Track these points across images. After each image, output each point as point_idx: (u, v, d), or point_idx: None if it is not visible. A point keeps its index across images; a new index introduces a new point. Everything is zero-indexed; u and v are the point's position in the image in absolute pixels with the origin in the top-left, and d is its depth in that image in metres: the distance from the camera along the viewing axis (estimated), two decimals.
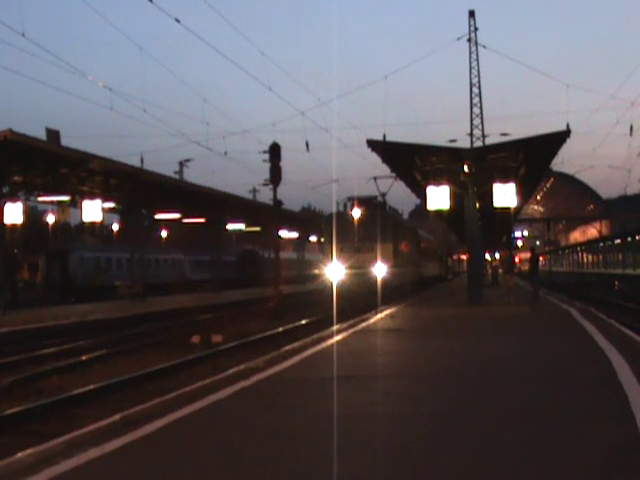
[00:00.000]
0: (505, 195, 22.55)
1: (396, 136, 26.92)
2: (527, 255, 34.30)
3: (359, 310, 21.92)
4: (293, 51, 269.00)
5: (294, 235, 58.29)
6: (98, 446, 5.42)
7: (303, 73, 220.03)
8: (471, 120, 49.44)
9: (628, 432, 5.31)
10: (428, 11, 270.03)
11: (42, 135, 25.43)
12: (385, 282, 25.27)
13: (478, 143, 46.44)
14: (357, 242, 25.92)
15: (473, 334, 13.90)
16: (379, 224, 25.27)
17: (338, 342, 12.67)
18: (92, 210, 28.32)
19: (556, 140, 22.44)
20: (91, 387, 11.15)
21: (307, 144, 29.62)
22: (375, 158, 24.44)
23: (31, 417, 9.28)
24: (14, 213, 26.47)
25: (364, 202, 26.69)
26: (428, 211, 27.15)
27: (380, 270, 25.43)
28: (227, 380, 8.62)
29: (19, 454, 5.36)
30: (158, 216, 41.26)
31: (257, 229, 53.46)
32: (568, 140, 22.18)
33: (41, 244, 50.81)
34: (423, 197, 23.88)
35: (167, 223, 56.74)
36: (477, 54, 48.38)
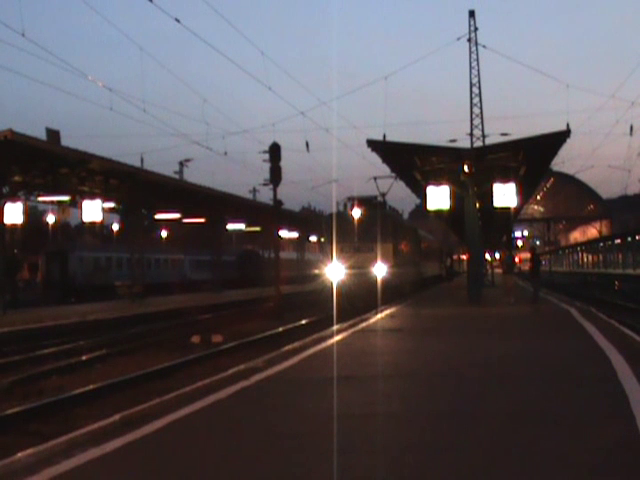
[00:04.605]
0: (505, 195, 22.55)
1: (396, 136, 26.94)
2: (527, 255, 34.27)
3: (359, 310, 21.91)
4: (293, 51, 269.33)
5: (294, 235, 58.28)
6: (98, 446, 5.42)
7: (303, 73, 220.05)
8: (471, 120, 49.47)
9: (628, 432, 5.31)
10: (428, 11, 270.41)
11: (42, 135, 25.44)
12: (385, 282, 25.27)
13: (478, 143, 46.46)
14: (357, 242, 25.91)
15: (473, 334, 13.90)
16: (379, 224, 25.27)
17: (338, 342, 12.68)
18: (92, 210, 28.29)
19: (556, 140, 22.44)
20: (91, 387, 11.15)
21: (307, 144, 29.62)
22: (375, 158, 24.44)
23: (31, 417, 9.27)
24: (14, 213, 26.46)
25: (364, 202, 26.69)
26: (428, 211, 27.14)
27: (380, 270, 25.43)
28: (227, 380, 8.62)
29: (19, 454, 5.36)
30: (158, 216, 41.24)
31: (257, 229, 53.45)
32: (568, 140, 22.19)
33: (41, 244, 50.75)
34: (423, 197, 23.87)
35: (167, 223, 56.75)
36: (477, 54, 48.46)
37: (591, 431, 5.56)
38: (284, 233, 51.31)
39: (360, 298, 24.68)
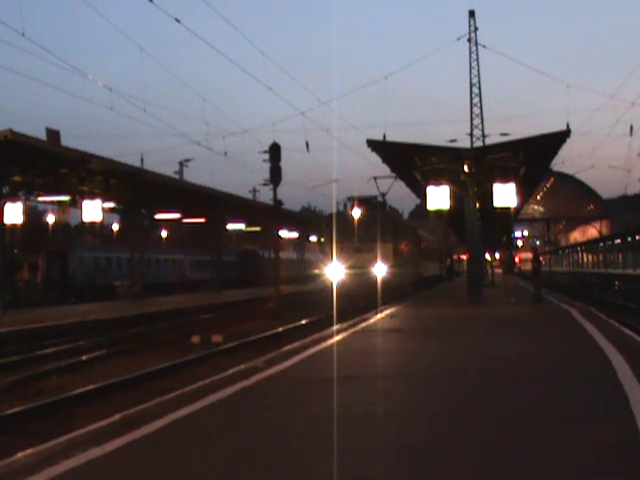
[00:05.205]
0: (505, 195, 22.55)
1: (396, 136, 26.91)
2: (527, 255, 34.28)
3: (359, 310, 21.91)
4: (293, 51, 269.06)
5: (294, 235, 58.27)
6: (98, 446, 5.42)
7: (303, 73, 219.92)
8: (471, 120, 49.49)
9: (628, 432, 5.31)
10: (428, 11, 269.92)
11: (42, 135, 25.44)
12: (385, 282, 25.26)
13: (478, 143, 46.47)
14: (357, 242, 25.90)
15: (473, 334, 13.89)
16: (379, 224, 25.26)
17: (338, 342, 12.68)
18: (92, 210, 28.31)
19: (556, 140, 22.46)
20: (91, 387, 11.15)
21: (307, 144, 29.63)
22: (375, 158, 24.45)
23: (31, 417, 9.27)
24: (14, 213, 26.47)
25: (364, 202, 26.67)
26: (428, 211, 27.15)
27: (380, 270, 25.42)
28: (227, 380, 8.62)
29: (19, 454, 5.36)
30: (158, 216, 41.25)
31: (257, 229, 53.45)
32: (568, 140, 22.22)
33: (41, 244, 50.74)
34: (423, 197, 23.88)
35: (167, 223, 56.74)
36: (477, 54, 48.49)
37: (591, 431, 5.56)
38: (284, 233, 51.32)
39: (360, 298, 24.68)
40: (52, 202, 33.87)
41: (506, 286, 25.69)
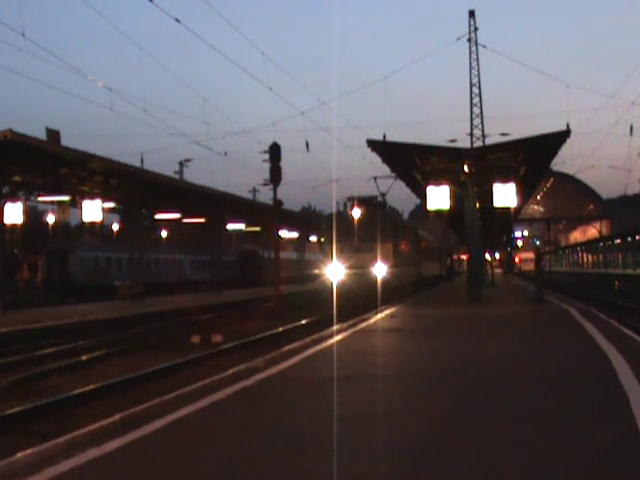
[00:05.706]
0: (505, 195, 22.56)
1: (396, 136, 26.91)
2: (527, 255, 34.30)
3: (359, 310, 21.91)
4: (293, 51, 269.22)
5: (294, 235, 58.27)
6: (98, 446, 5.42)
7: (303, 73, 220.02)
8: (471, 120, 49.53)
9: (628, 432, 5.31)
10: (428, 11, 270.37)
11: (42, 135, 25.44)
12: (385, 282, 25.26)
13: (478, 143, 46.50)
14: (357, 242, 25.91)
15: (473, 334, 13.89)
16: (379, 224, 25.26)
17: (338, 342, 12.67)
18: (92, 210, 28.33)
19: (556, 140, 22.47)
20: (91, 387, 11.15)
21: (307, 144, 29.65)
22: (375, 158, 24.47)
23: (31, 417, 9.27)
24: (14, 213, 26.49)
25: (364, 202, 26.67)
26: (428, 211, 27.14)
27: (380, 270, 25.42)
28: (227, 380, 8.62)
29: (19, 454, 5.36)
30: (158, 216, 41.25)
31: (257, 229, 53.45)
32: (568, 140, 22.22)
33: (41, 244, 50.75)
34: (423, 197, 23.88)
35: (167, 223, 56.72)
36: (477, 54, 48.55)
37: (591, 431, 5.56)
38: (284, 233, 51.32)
39: (360, 298, 24.67)
40: (52, 202, 33.87)
41: (506, 286, 25.69)
